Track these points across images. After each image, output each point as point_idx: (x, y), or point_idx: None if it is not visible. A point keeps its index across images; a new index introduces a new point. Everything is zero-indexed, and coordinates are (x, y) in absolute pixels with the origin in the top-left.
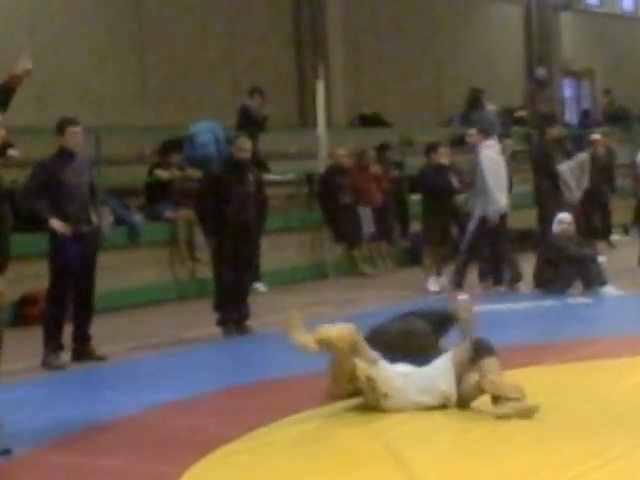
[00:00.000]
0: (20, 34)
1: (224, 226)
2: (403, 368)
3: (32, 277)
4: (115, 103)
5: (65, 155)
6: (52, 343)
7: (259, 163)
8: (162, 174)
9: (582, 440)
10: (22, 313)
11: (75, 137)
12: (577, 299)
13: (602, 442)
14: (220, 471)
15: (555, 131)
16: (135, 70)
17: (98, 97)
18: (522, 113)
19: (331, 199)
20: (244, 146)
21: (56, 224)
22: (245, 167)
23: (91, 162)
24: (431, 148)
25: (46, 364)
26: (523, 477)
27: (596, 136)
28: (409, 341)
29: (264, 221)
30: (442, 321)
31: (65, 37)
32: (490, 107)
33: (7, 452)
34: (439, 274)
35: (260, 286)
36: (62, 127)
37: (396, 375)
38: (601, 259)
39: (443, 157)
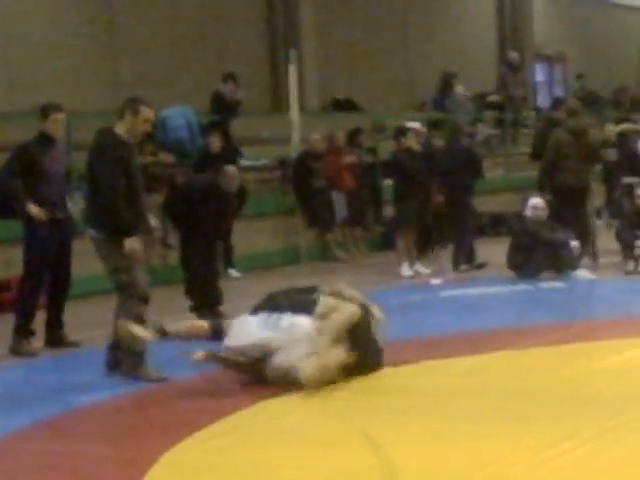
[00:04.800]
0: None
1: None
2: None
3: (5, 263)
4: (86, 88)
5: (46, 140)
6: (23, 330)
7: (232, 149)
8: None
9: (553, 423)
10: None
11: (58, 124)
12: (550, 283)
13: (573, 425)
14: (196, 455)
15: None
16: (106, 54)
17: (69, 82)
18: (495, 97)
19: (304, 184)
20: (234, 180)
21: (33, 209)
22: (230, 197)
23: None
24: (400, 132)
25: (16, 351)
26: (496, 460)
27: None
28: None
29: (238, 214)
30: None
31: (35, 21)
32: (461, 91)
33: None
34: (412, 259)
35: (233, 272)
36: (46, 112)
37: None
38: (573, 243)
39: (412, 141)
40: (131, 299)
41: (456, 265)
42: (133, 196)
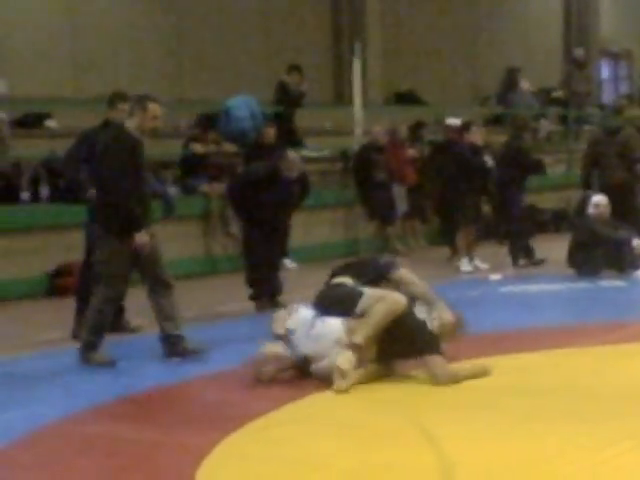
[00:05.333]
0: (58, 11)
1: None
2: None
3: (66, 248)
4: (151, 77)
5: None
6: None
7: (295, 141)
8: (197, 148)
9: (614, 422)
10: (57, 284)
11: (123, 114)
12: (610, 282)
13: (634, 424)
14: (251, 445)
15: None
16: (171, 44)
17: (134, 71)
18: (559, 93)
19: (365, 176)
20: (294, 165)
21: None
22: (290, 183)
23: None
24: (464, 127)
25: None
26: (554, 458)
27: None
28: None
29: (301, 203)
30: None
31: (102, 12)
32: (526, 86)
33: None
34: (471, 254)
35: (288, 262)
36: (113, 101)
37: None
38: (636, 242)
39: (476, 136)
40: (100, 293)
41: (515, 260)
42: (141, 191)
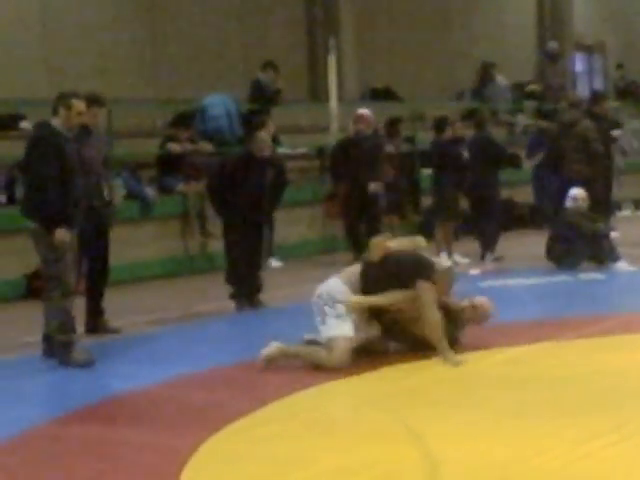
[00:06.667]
0: (31, 12)
1: (235, 210)
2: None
3: None
4: (127, 76)
5: (83, 129)
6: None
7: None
8: (174, 147)
9: (597, 416)
10: (34, 286)
11: (96, 118)
12: (590, 275)
13: (617, 418)
14: (236, 444)
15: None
16: (147, 43)
17: (110, 70)
18: (533, 87)
19: (342, 173)
20: (264, 144)
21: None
22: (263, 165)
23: (104, 135)
24: (443, 122)
25: (94, 329)
26: (539, 453)
27: None
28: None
29: (279, 201)
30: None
31: (77, 11)
32: (501, 81)
33: None
34: (449, 249)
35: (274, 261)
36: (86, 105)
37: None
38: (614, 235)
39: (457, 131)
40: (55, 292)
41: (485, 254)
42: (68, 187)
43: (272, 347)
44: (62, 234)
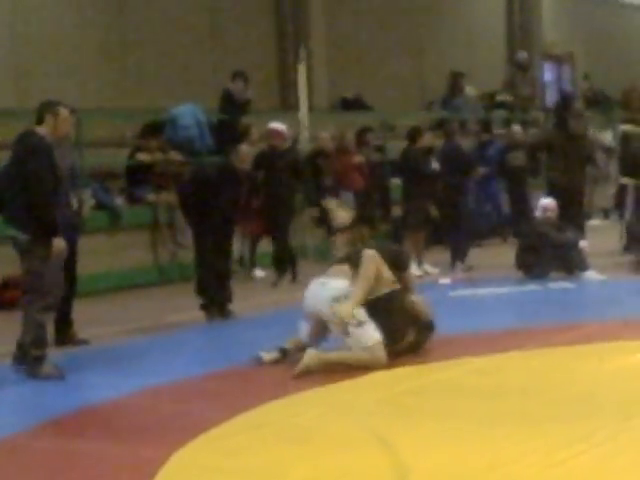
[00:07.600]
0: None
1: (208, 221)
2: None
3: (12, 261)
4: (96, 86)
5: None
6: None
7: None
8: (143, 157)
9: (566, 424)
10: (3, 297)
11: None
12: (559, 284)
13: (587, 426)
14: (206, 455)
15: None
16: (116, 52)
17: (79, 79)
18: (503, 97)
19: (313, 182)
20: (246, 157)
21: None
22: (242, 178)
23: (73, 145)
24: (417, 131)
25: None
26: (509, 462)
27: None
28: None
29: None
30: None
31: (44, 21)
32: (470, 91)
33: None
34: (420, 258)
35: (258, 271)
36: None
37: None
38: (583, 244)
39: (429, 141)
40: (35, 305)
41: (455, 263)
42: (58, 198)
43: (312, 355)
44: (61, 243)
